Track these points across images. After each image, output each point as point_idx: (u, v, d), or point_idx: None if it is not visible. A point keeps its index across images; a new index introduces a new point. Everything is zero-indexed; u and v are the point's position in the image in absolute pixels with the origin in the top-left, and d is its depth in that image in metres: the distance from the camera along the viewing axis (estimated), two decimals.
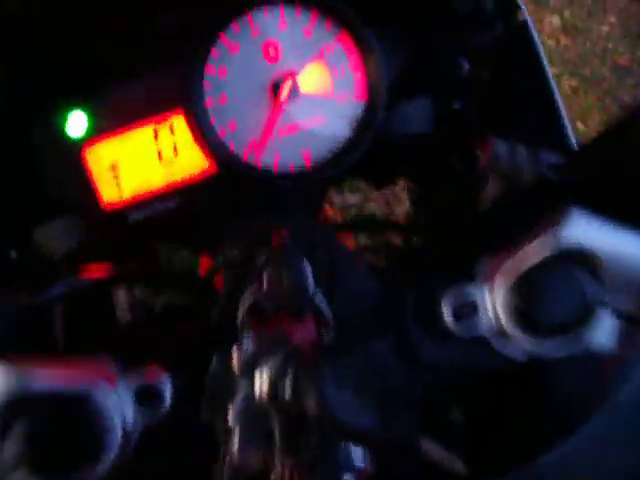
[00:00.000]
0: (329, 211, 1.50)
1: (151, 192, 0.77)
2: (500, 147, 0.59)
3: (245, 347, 0.54)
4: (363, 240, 1.23)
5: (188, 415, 0.54)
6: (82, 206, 0.77)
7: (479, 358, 0.60)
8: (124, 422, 0.48)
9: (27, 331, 0.62)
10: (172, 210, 0.78)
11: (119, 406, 0.49)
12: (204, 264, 1.46)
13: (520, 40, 0.84)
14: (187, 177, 0.77)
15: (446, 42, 0.81)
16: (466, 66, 0.82)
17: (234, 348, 0.54)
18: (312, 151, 0.78)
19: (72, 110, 0.71)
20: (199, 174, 0.77)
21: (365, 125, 0.78)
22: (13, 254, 0.81)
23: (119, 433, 0.47)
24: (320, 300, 0.56)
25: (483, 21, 0.80)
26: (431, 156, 0.94)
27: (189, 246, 0.90)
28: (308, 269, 0.59)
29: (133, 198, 0.77)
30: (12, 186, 0.77)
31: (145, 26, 0.71)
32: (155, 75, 0.72)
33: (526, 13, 0.84)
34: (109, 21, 0.70)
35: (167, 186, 0.77)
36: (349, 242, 1.53)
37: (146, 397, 0.55)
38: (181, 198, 0.77)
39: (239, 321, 0.57)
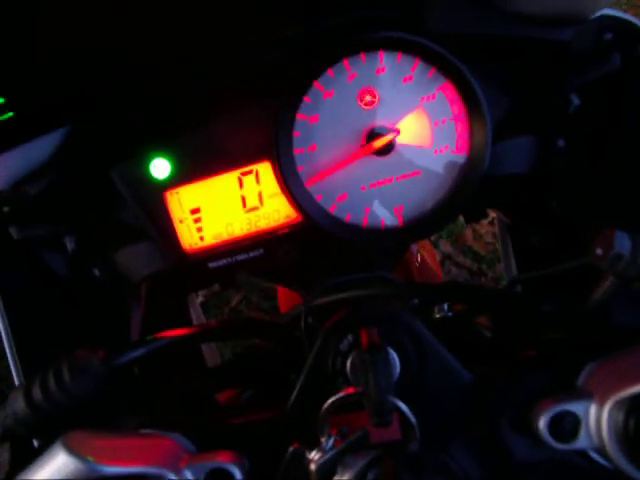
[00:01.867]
0: None
1: (233, 239, 0.74)
2: (623, 244, 0.52)
3: (324, 445, 0.51)
4: None
5: None
6: (163, 246, 0.75)
7: (577, 466, 0.55)
8: None
9: (107, 391, 0.62)
10: (254, 258, 0.75)
11: None
12: (283, 296, 1.45)
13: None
14: (272, 226, 0.74)
15: (557, 78, 0.73)
16: (576, 102, 0.74)
17: (312, 446, 0.52)
18: (405, 207, 0.73)
19: (156, 156, 0.69)
20: (284, 223, 0.74)
21: (465, 181, 0.72)
22: (96, 272, 0.81)
23: None
24: (403, 405, 0.52)
25: (600, 55, 0.73)
26: (530, 193, 0.87)
27: (269, 280, 0.88)
28: (396, 371, 0.55)
29: (214, 245, 0.74)
30: (97, 211, 0.76)
31: (232, 70, 0.67)
32: (242, 120, 0.69)
33: None
34: (196, 63, 0.66)
35: (250, 234, 0.74)
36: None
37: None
38: (264, 249, 0.74)
39: (320, 415, 0.53)
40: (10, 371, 0.75)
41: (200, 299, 2.08)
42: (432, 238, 2.14)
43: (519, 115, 0.74)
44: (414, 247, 1.44)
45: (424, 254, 1.49)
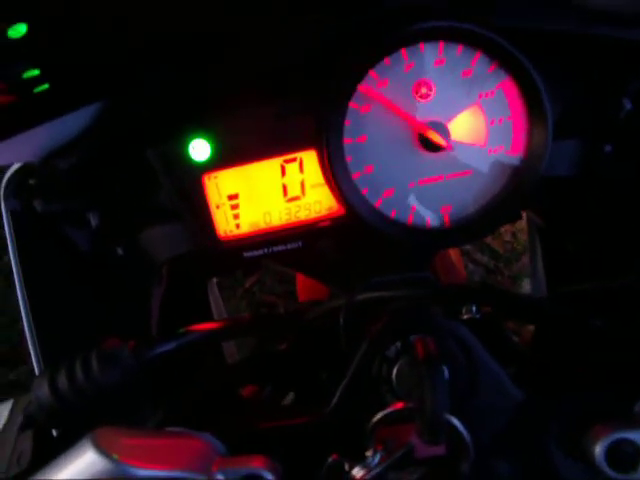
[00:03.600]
0: None
1: (271, 229, 0.71)
2: None
3: (369, 461, 0.49)
4: None
5: None
6: (197, 231, 0.72)
7: None
8: None
9: (136, 383, 0.59)
10: (291, 250, 0.71)
11: None
12: (302, 283, 1.41)
13: None
14: (312, 218, 0.70)
15: (617, 81, 0.70)
16: (628, 106, 0.71)
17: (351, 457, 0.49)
18: (453, 207, 0.69)
19: (196, 136, 0.65)
20: (326, 216, 0.70)
21: (518, 183, 0.68)
22: (120, 251, 0.78)
23: None
24: (458, 424, 0.49)
25: None
26: (571, 197, 0.84)
27: (305, 273, 0.84)
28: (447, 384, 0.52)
29: (250, 233, 0.71)
30: (128, 189, 0.73)
31: (281, 53, 0.63)
32: (289, 106, 0.65)
33: None
34: (240, 46, 0.63)
35: (289, 224, 0.70)
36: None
37: None
38: (303, 241, 0.70)
39: (367, 429, 0.50)
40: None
41: (214, 279, 2.05)
42: None
43: (570, 116, 0.70)
44: None
45: None
